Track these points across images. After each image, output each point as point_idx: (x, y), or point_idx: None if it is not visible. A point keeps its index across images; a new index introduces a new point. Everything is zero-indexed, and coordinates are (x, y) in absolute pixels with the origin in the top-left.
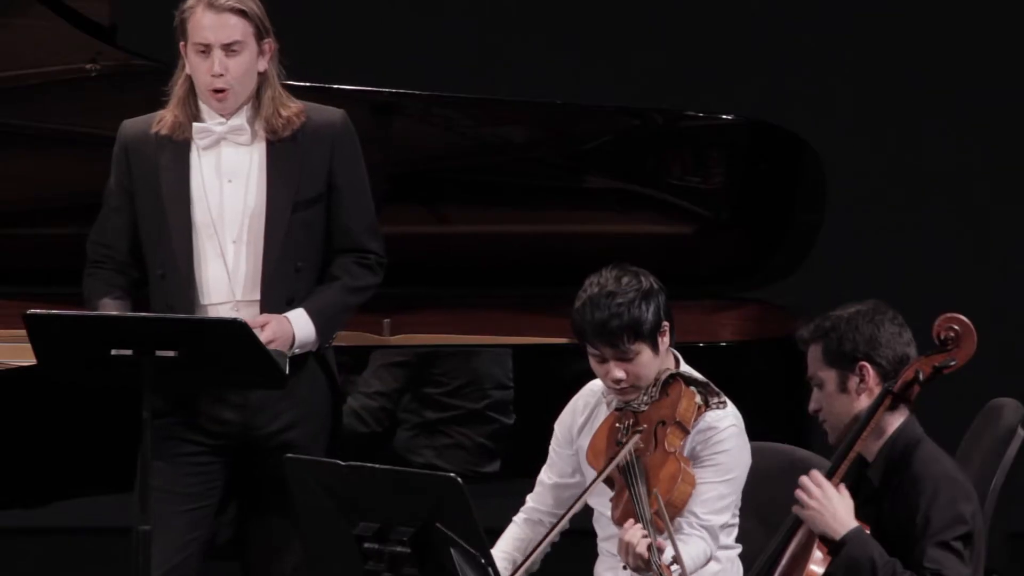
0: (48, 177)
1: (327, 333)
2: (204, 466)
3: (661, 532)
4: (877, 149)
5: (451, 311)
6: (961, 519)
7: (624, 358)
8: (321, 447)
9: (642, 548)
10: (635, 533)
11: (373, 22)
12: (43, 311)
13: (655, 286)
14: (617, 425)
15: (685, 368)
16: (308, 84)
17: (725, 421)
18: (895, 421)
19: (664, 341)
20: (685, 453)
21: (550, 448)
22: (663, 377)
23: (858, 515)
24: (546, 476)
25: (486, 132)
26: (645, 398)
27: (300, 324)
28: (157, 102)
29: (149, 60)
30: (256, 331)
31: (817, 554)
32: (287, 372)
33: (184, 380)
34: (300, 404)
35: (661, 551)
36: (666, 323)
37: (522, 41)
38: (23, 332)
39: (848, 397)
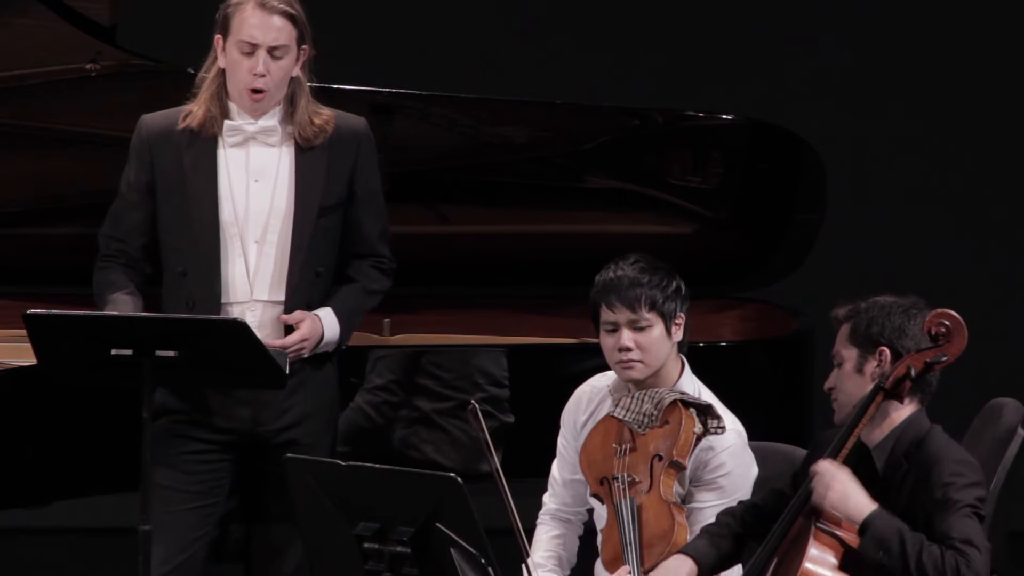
0: (48, 177)
1: (347, 335)
2: (211, 464)
3: None
4: (877, 149)
5: (451, 311)
6: (980, 499)
7: (637, 326)
8: (327, 445)
9: None
10: None
11: (373, 22)
12: (43, 311)
13: (679, 280)
14: (614, 445)
15: (687, 380)
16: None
17: (725, 441)
18: (905, 411)
19: (677, 332)
20: (687, 476)
21: (558, 443)
22: (665, 402)
23: None
24: (558, 473)
25: (486, 132)
26: (645, 420)
27: (329, 324)
28: (157, 102)
29: (149, 60)
30: (257, 334)
31: (812, 551)
32: (287, 372)
33: (184, 380)
34: (309, 400)
35: None
36: (682, 315)
37: (522, 41)
38: (23, 332)
39: (862, 379)
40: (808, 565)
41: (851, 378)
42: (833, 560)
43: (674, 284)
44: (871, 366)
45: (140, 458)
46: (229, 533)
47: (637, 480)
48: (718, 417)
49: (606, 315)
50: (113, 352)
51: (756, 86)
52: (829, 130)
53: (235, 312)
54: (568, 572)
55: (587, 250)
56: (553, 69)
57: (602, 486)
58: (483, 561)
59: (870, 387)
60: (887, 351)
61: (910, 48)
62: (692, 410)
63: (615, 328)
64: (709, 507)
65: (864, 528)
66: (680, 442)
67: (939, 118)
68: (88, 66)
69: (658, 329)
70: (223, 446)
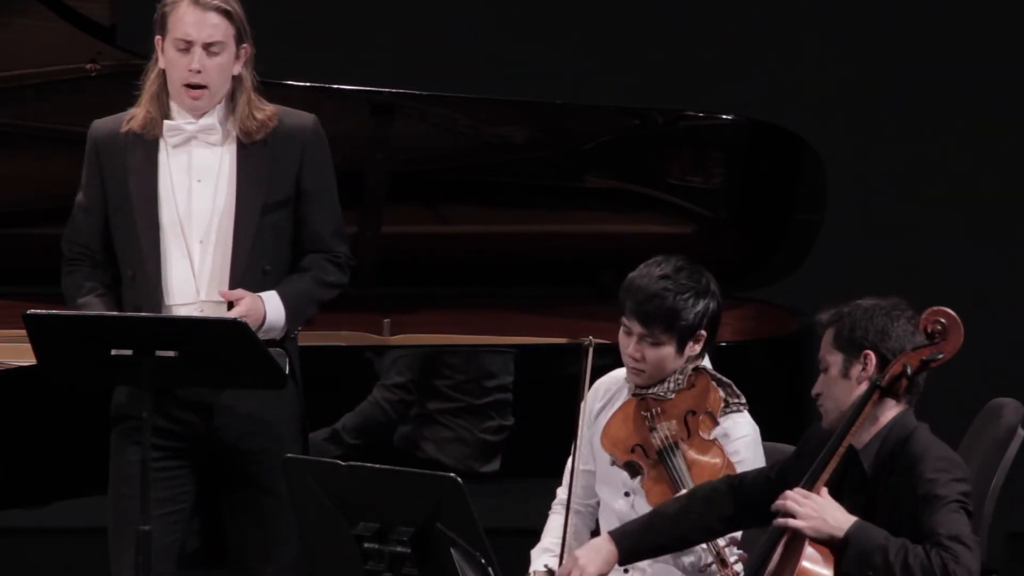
0: (48, 177)
1: (295, 321)
2: (170, 471)
3: None
4: (877, 149)
5: (451, 311)
6: (966, 494)
7: (647, 340)
8: (297, 446)
9: None
10: None
11: (373, 22)
12: (43, 311)
13: (712, 291)
14: (643, 413)
15: (709, 366)
16: (308, 84)
17: (741, 430)
18: (891, 412)
19: (694, 348)
20: None
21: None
22: (689, 368)
23: (847, 504)
24: (571, 464)
25: (486, 132)
26: (671, 386)
27: (272, 306)
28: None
29: (149, 60)
30: (199, 314)
31: (808, 550)
32: (287, 372)
33: (184, 380)
34: (265, 406)
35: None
36: (703, 332)
37: (522, 41)
38: (23, 332)
39: (849, 383)
40: (805, 564)
41: (837, 383)
42: (830, 559)
43: (701, 303)
44: (856, 370)
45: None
46: (204, 539)
47: (674, 431)
48: (739, 396)
49: (623, 319)
50: (113, 352)
51: (756, 86)
52: (829, 130)
53: (181, 313)
54: None
55: (587, 250)
56: (553, 69)
57: (634, 453)
58: (483, 561)
59: (857, 391)
60: (872, 354)
61: (910, 48)
62: (715, 383)
63: (629, 332)
64: None
65: (844, 545)
66: (710, 399)
67: (939, 118)
68: (88, 66)
69: (669, 348)
70: (177, 452)
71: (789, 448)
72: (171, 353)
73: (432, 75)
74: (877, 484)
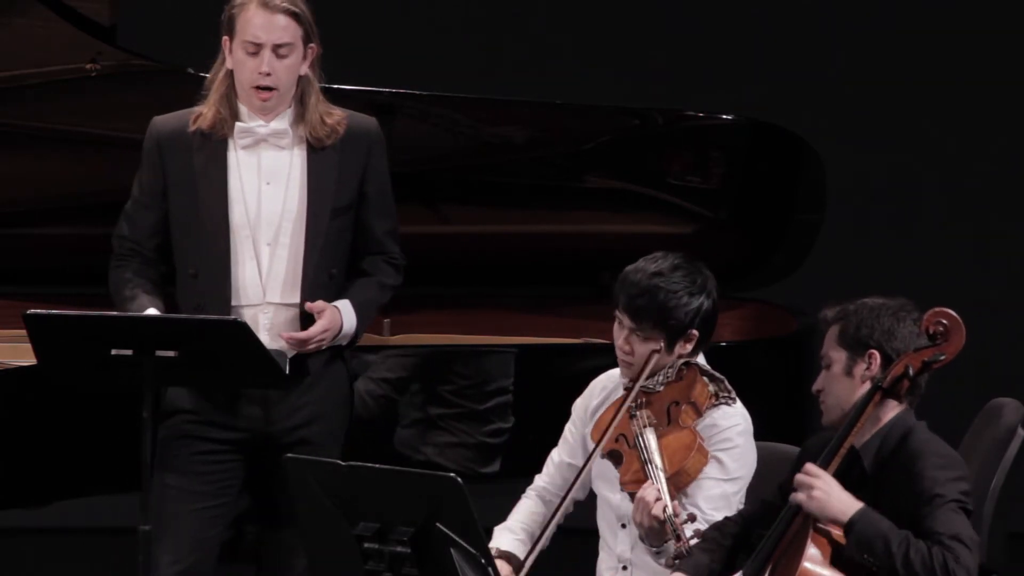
0: (48, 177)
1: (362, 328)
2: (220, 464)
3: (674, 497)
4: (876, 149)
5: (451, 311)
6: (965, 493)
7: (636, 334)
8: (338, 444)
9: (657, 509)
10: (651, 492)
11: (373, 22)
12: (43, 311)
13: (708, 290)
14: (630, 404)
15: (702, 362)
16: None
17: (731, 419)
18: (892, 410)
19: (685, 347)
20: None
21: (565, 428)
22: (679, 362)
23: None
24: (556, 455)
25: (486, 132)
26: (660, 378)
27: (347, 315)
28: (157, 102)
29: (149, 60)
30: (267, 336)
31: (810, 550)
32: (287, 372)
33: (184, 380)
34: (319, 400)
35: (676, 514)
36: (694, 332)
37: (522, 41)
38: (23, 332)
39: (851, 382)
40: (807, 565)
41: (840, 380)
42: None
43: (694, 302)
44: (860, 368)
45: (138, 458)
46: (243, 534)
47: (655, 421)
48: (729, 390)
49: (616, 311)
50: (113, 352)
51: (756, 86)
52: (829, 130)
53: (247, 314)
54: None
55: (587, 250)
56: (553, 69)
57: (618, 442)
58: (483, 561)
59: (859, 389)
60: (876, 354)
61: (910, 48)
62: (706, 378)
63: (621, 324)
64: (711, 480)
65: (848, 530)
66: (696, 391)
67: (939, 118)
68: (88, 66)
69: (658, 344)
70: (233, 445)
71: (788, 448)
72: (171, 353)
73: (432, 75)
74: (878, 482)
